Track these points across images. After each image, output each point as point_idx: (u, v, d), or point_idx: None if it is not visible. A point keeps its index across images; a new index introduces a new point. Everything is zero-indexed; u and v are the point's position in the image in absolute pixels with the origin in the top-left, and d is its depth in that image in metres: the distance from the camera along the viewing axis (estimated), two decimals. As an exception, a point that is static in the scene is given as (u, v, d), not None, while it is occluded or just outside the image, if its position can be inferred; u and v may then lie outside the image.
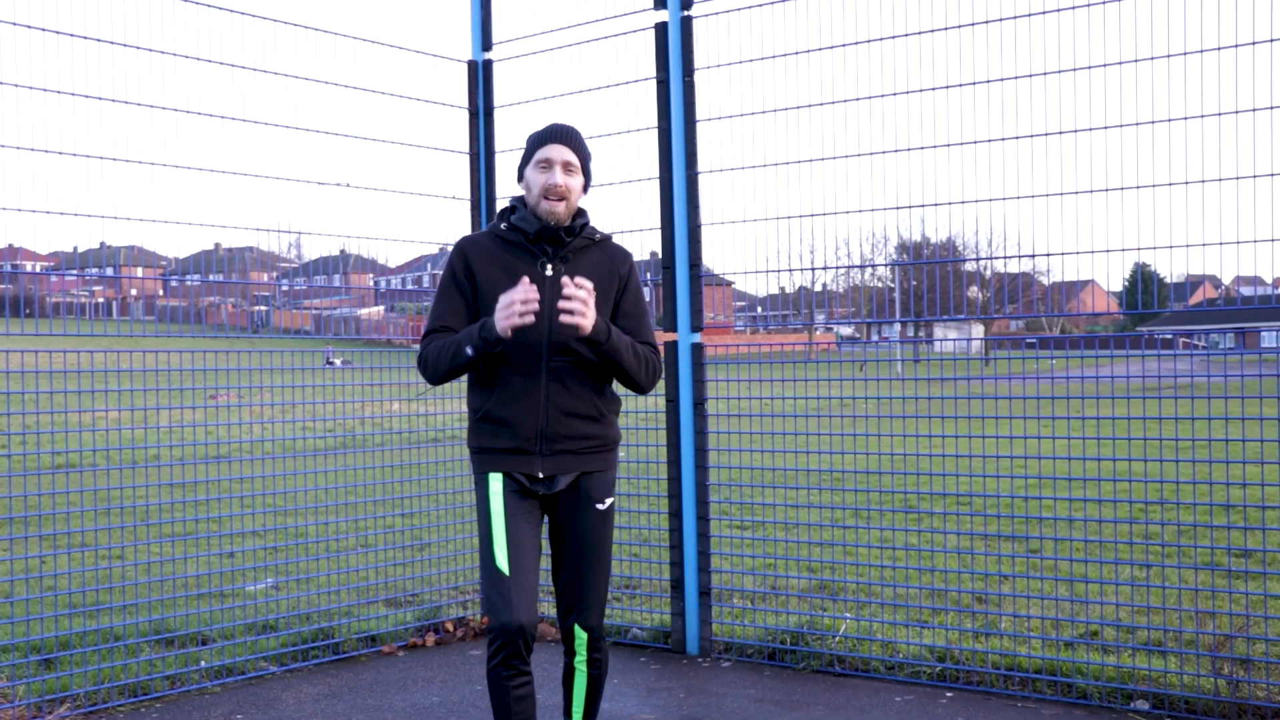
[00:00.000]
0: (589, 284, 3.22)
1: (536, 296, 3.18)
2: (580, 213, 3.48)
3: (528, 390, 3.34)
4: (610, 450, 3.50)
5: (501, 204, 6.35)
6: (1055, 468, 7.56)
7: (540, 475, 3.38)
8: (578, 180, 3.43)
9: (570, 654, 3.53)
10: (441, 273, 3.53)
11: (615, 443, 3.52)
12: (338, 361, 7.31)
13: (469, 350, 3.27)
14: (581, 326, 3.19)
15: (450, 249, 3.52)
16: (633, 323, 3.50)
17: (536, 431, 3.35)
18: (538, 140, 3.45)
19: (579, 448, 3.41)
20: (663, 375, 3.56)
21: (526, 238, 3.41)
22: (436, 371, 3.38)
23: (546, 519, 3.53)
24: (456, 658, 5.75)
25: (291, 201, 5.63)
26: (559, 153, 3.39)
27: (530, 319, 3.18)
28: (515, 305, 3.15)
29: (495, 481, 3.38)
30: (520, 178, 3.48)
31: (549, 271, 3.39)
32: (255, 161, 5.41)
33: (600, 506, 3.46)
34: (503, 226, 3.46)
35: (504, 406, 3.36)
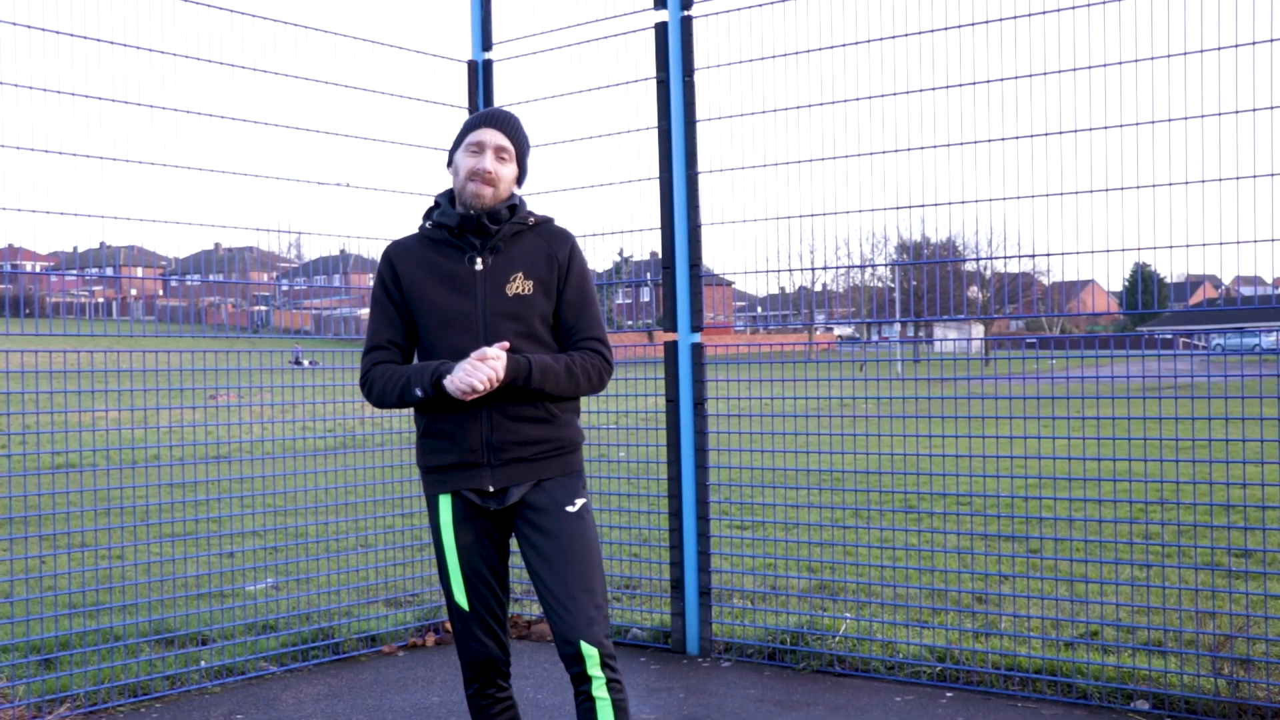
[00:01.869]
0: (492, 352, 2.96)
1: (496, 372, 2.94)
2: (510, 198, 3.18)
3: None
4: (569, 453, 3.16)
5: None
6: (1055, 468, 7.56)
7: (490, 489, 3.08)
8: (510, 169, 3.15)
9: (584, 681, 3.01)
10: (372, 287, 3.26)
11: (574, 444, 3.18)
12: (305, 362, 7.26)
13: (418, 393, 3.03)
14: (485, 387, 2.93)
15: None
16: (575, 315, 3.16)
17: (482, 440, 3.06)
18: (471, 123, 3.18)
19: (531, 454, 3.08)
20: (613, 372, 3.26)
21: (450, 232, 3.13)
22: (384, 402, 3.14)
23: (514, 535, 3.21)
24: (456, 658, 5.75)
25: (291, 201, 5.64)
26: (492, 137, 3.12)
27: (497, 377, 2.94)
28: (475, 381, 2.90)
29: (445, 509, 3.12)
30: (450, 163, 3.21)
31: (479, 265, 3.10)
32: (255, 161, 5.41)
33: (570, 509, 3.11)
34: (427, 225, 3.20)
35: (445, 418, 3.07)
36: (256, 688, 5.24)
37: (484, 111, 3.20)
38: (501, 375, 2.95)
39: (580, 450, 3.23)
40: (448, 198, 3.21)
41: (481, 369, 2.92)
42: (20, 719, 4.61)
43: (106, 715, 4.83)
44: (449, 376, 2.96)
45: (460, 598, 3.13)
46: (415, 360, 3.25)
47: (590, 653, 2.99)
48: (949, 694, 4.99)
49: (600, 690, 3.01)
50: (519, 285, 3.12)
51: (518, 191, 3.24)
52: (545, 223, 3.23)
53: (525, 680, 5.30)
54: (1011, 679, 5.00)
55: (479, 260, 3.12)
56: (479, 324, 3.07)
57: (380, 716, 4.83)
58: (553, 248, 3.17)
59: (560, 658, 3.10)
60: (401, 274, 3.16)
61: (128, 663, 5.09)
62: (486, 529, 3.14)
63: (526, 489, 3.10)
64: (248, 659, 5.44)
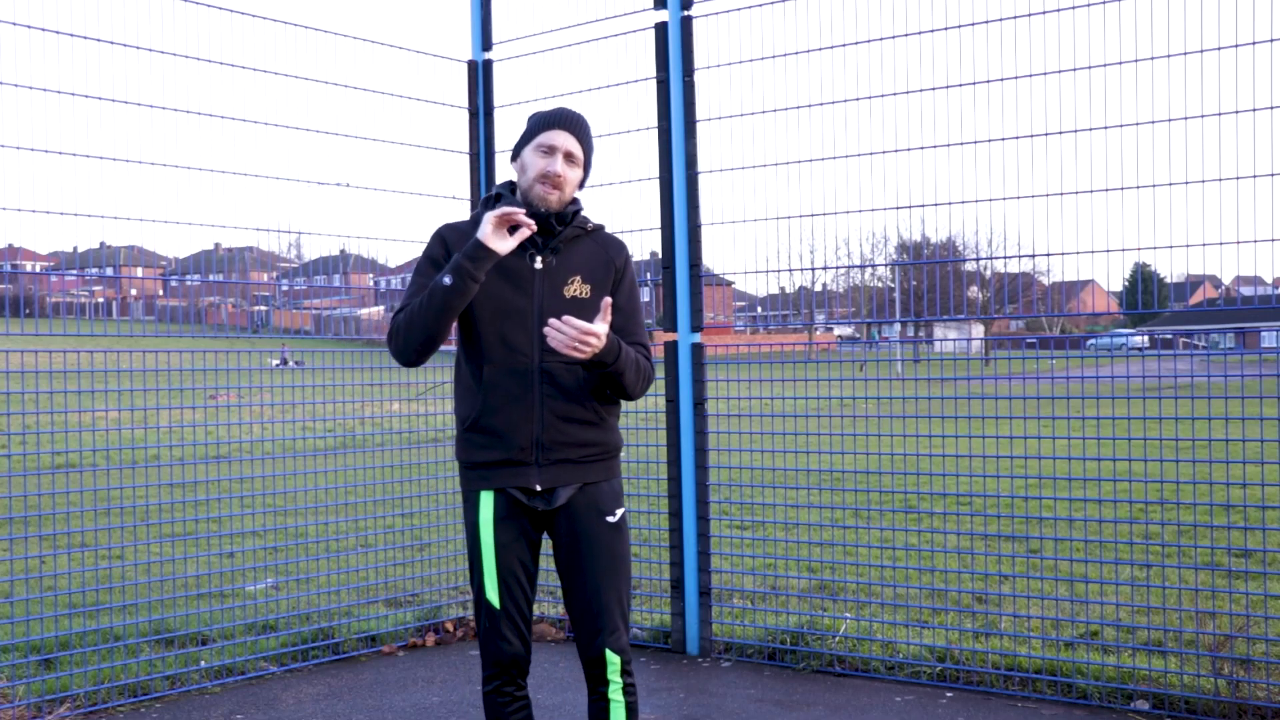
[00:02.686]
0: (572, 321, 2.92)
1: (598, 342, 2.89)
2: (573, 202, 3.18)
3: (519, 394, 3.03)
4: (613, 458, 3.20)
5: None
6: (1055, 468, 7.56)
7: (538, 488, 3.08)
8: (577, 173, 3.16)
9: (602, 683, 3.14)
10: (418, 260, 3.19)
11: (617, 449, 3.21)
12: (291, 362, 7.24)
13: (446, 279, 2.93)
14: (588, 352, 2.90)
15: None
16: (625, 320, 3.18)
17: (532, 440, 3.05)
18: (543, 122, 3.14)
19: (578, 456, 3.10)
20: (656, 378, 3.28)
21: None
22: (410, 332, 3.02)
23: (548, 535, 3.22)
24: (456, 658, 5.75)
25: (291, 201, 5.64)
26: (564, 140, 3.10)
27: (527, 232, 2.92)
28: (585, 341, 2.85)
29: (486, 505, 3.10)
30: (515, 157, 3.19)
31: (539, 264, 3.09)
32: (255, 161, 5.41)
33: (611, 519, 3.14)
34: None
35: (494, 414, 3.05)
36: (256, 688, 5.24)
37: (555, 112, 3.16)
38: (601, 345, 2.92)
39: (620, 455, 3.25)
40: (510, 189, 3.20)
41: (580, 342, 2.88)
42: (20, 719, 4.61)
43: (106, 715, 4.83)
44: (550, 332, 2.88)
45: (492, 595, 3.09)
46: (458, 349, 3.21)
47: (613, 660, 3.12)
48: (949, 694, 4.99)
49: (616, 694, 3.14)
50: (576, 288, 3.12)
51: (579, 192, 3.23)
52: (600, 229, 3.26)
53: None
54: (1011, 679, 5.00)
55: (539, 259, 3.11)
56: (534, 322, 3.06)
57: (380, 716, 4.83)
58: (610, 254, 3.20)
59: (581, 660, 3.18)
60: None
61: (128, 663, 5.09)
62: (525, 528, 3.12)
63: (573, 491, 3.11)
64: (248, 659, 5.44)
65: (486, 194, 3.20)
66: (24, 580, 5.34)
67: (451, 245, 3.12)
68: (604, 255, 3.19)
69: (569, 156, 3.12)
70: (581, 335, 2.88)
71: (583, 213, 3.20)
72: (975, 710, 4.75)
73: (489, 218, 2.94)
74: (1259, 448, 5.92)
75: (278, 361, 7.63)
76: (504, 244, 2.94)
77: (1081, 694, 4.84)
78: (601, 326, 2.93)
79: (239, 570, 6.09)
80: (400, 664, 5.66)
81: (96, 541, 6.63)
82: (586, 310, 3.08)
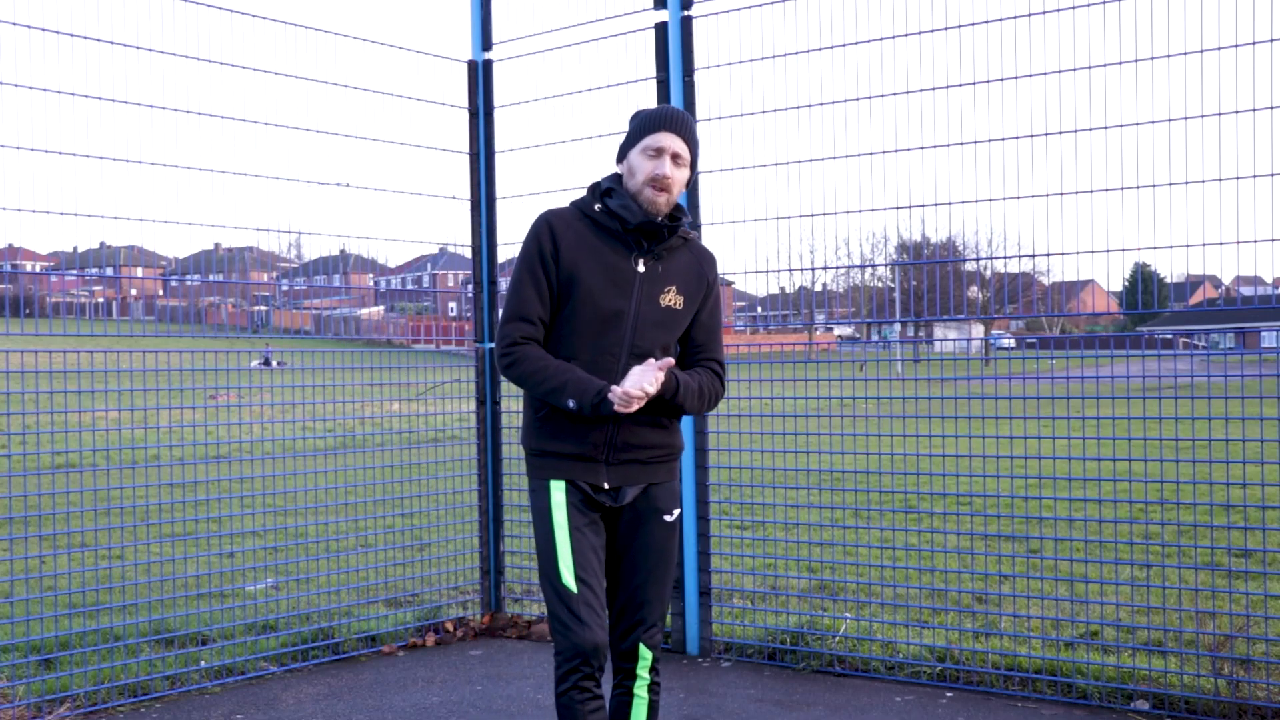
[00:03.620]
0: (651, 375, 3.00)
1: (653, 388, 2.97)
2: (679, 209, 3.21)
3: None
4: (675, 459, 3.25)
5: (502, 204, 6.38)
6: (1055, 468, 7.55)
7: (606, 486, 3.11)
8: (684, 174, 3.15)
9: (629, 678, 3.19)
10: (523, 247, 3.15)
11: (680, 451, 3.27)
12: (274, 362, 7.22)
13: (571, 404, 3.00)
14: (646, 397, 2.98)
15: (534, 224, 3.17)
16: (706, 335, 3.24)
17: (606, 438, 3.08)
18: (650, 124, 3.13)
19: (647, 457, 3.15)
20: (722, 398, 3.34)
21: (624, 226, 3.10)
22: (527, 388, 3.10)
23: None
24: (456, 658, 5.75)
25: (291, 201, 5.64)
26: (671, 142, 3.10)
27: (652, 392, 2.97)
28: (637, 397, 2.94)
29: (558, 490, 3.10)
30: (621, 158, 3.18)
31: (641, 267, 3.10)
32: (255, 161, 5.41)
33: (669, 518, 3.21)
34: (597, 208, 3.14)
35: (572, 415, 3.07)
36: (256, 688, 5.24)
37: (661, 112, 3.15)
38: (655, 391, 2.98)
39: (680, 457, 3.29)
40: (617, 181, 3.17)
41: (644, 386, 2.96)
42: (20, 719, 4.61)
43: (106, 715, 4.83)
44: (614, 393, 2.95)
45: (569, 578, 3.04)
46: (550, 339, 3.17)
47: (645, 655, 3.19)
48: (949, 694, 4.99)
49: (641, 690, 3.19)
50: (671, 298, 3.14)
51: (684, 191, 3.24)
52: (695, 239, 3.28)
53: (525, 680, 5.31)
54: (1011, 679, 5.00)
55: (641, 262, 3.12)
56: (629, 326, 3.08)
57: (380, 716, 4.83)
58: (704, 268, 3.23)
59: (612, 651, 3.18)
60: (564, 248, 3.09)
61: (128, 663, 5.09)
62: (595, 519, 3.15)
63: (638, 491, 3.17)
64: (248, 659, 5.44)
65: (595, 183, 3.20)
66: (24, 580, 5.33)
67: (560, 237, 3.09)
68: (698, 268, 3.22)
69: (676, 158, 3.11)
70: (638, 395, 2.94)
71: (686, 221, 3.21)
72: (975, 710, 4.75)
73: (619, 402, 2.94)
74: (1259, 448, 5.92)
75: (258, 362, 7.61)
76: (625, 409, 2.97)
77: (1081, 694, 4.84)
78: (657, 375, 2.98)
79: (239, 570, 6.09)
80: (400, 664, 5.66)
81: (96, 541, 6.63)
82: (677, 320, 3.16)
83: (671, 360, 3.02)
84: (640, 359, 3.07)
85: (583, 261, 3.08)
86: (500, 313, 3.34)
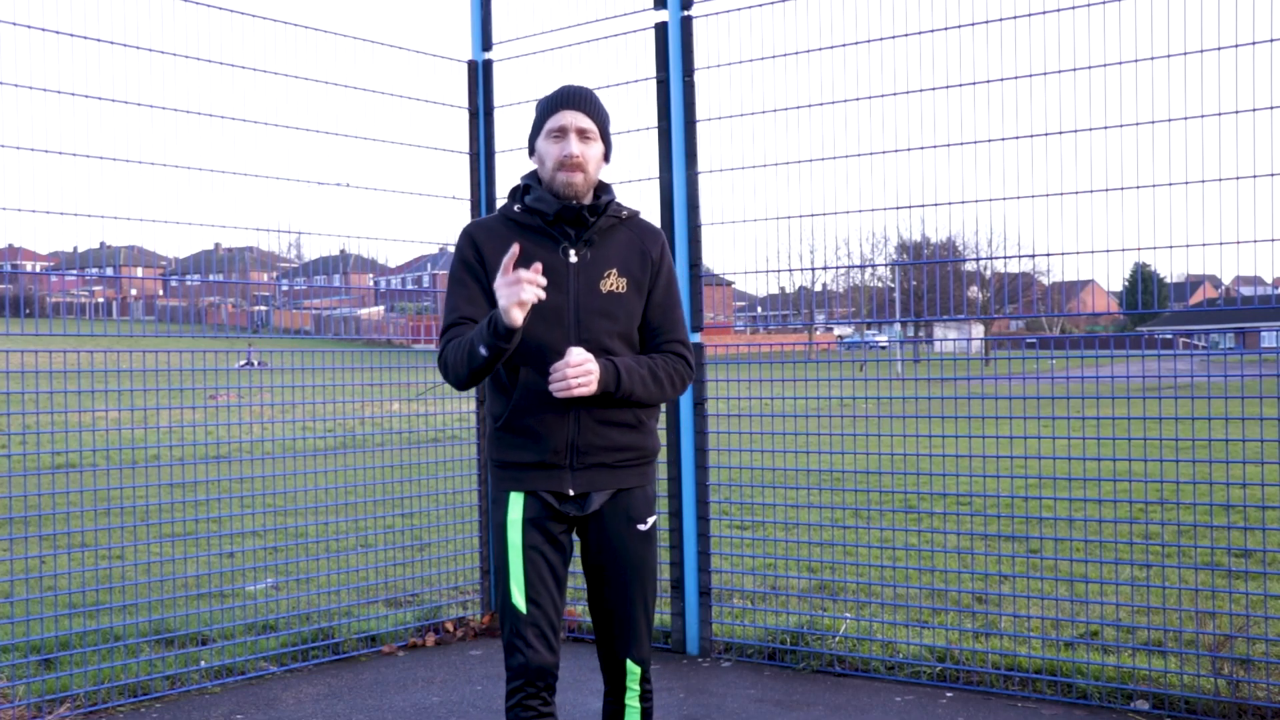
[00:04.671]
0: (580, 354, 2.84)
1: (593, 371, 2.83)
2: (603, 187, 3.05)
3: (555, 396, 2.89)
4: (649, 463, 3.08)
5: (502, 203, 6.38)
6: (1055, 468, 7.56)
7: (571, 493, 2.96)
8: (596, 148, 2.99)
9: (619, 690, 3.10)
10: (450, 266, 3.06)
11: (654, 454, 3.09)
12: (256, 362, 7.21)
13: (482, 350, 2.80)
14: (585, 391, 2.83)
15: (456, 240, 3.09)
16: (661, 316, 3.06)
17: (566, 442, 2.93)
18: (548, 106, 3.00)
19: (614, 460, 2.98)
20: (691, 380, 3.13)
21: (545, 219, 2.96)
22: (458, 377, 2.93)
23: (578, 541, 3.11)
24: (456, 658, 5.75)
25: (291, 201, 5.64)
26: (573, 119, 2.95)
27: (540, 293, 2.73)
28: (520, 283, 2.69)
29: (515, 506, 2.97)
30: (531, 151, 3.05)
31: (573, 258, 2.95)
32: (255, 161, 5.41)
33: (642, 527, 3.04)
34: (516, 209, 3.01)
35: (528, 414, 2.93)
36: (256, 688, 5.24)
37: (558, 93, 3.01)
38: (595, 387, 2.84)
39: (656, 461, 3.13)
40: (536, 180, 3.03)
41: (580, 376, 2.82)
42: (20, 719, 4.61)
43: (106, 715, 4.83)
44: (553, 378, 2.83)
45: (518, 600, 2.95)
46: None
47: (633, 670, 3.08)
48: (949, 694, 4.99)
49: (633, 700, 3.10)
50: (613, 282, 2.99)
51: (606, 166, 3.08)
52: (635, 216, 3.11)
53: (525, 680, 5.30)
54: (1011, 679, 5.00)
55: (572, 252, 2.97)
56: (570, 320, 2.93)
57: (380, 716, 4.83)
58: (646, 244, 3.06)
59: (600, 664, 3.11)
60: (487, 256, 2.97)
61: (128, 663, 5.09)
62: (555, 533, 3.00)
63: (606, 497, 3.01)
64: (248, 659, 5.44)
65: (515, 185, 3.09)
66: (24, 580, 5.34)
67: (481, 245, 2.99)
68: (640, 245, 3.06)
69: (583, 133, 2.96)
70: (578, 371, 2.80)
71: (616, 200, 3.06)
72: (975, 710, 4.75)
73: (505, 299, 2.71)
74: (1259, 448, 5.92)
75: (243, 363, 7.60)
76: (522, 313, 2.75)
77: (1081, 694, 4.84)
78: (587, 359, 2.83)
79: (239, 570, 6.09)
80: (400, 664, 5.66)
81: (96, 541, 6.63)
82: (625, 305, 2.99)
83: (582, 351, 2.85)
84: (592, 351, 2.91)
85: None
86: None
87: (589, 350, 2.90)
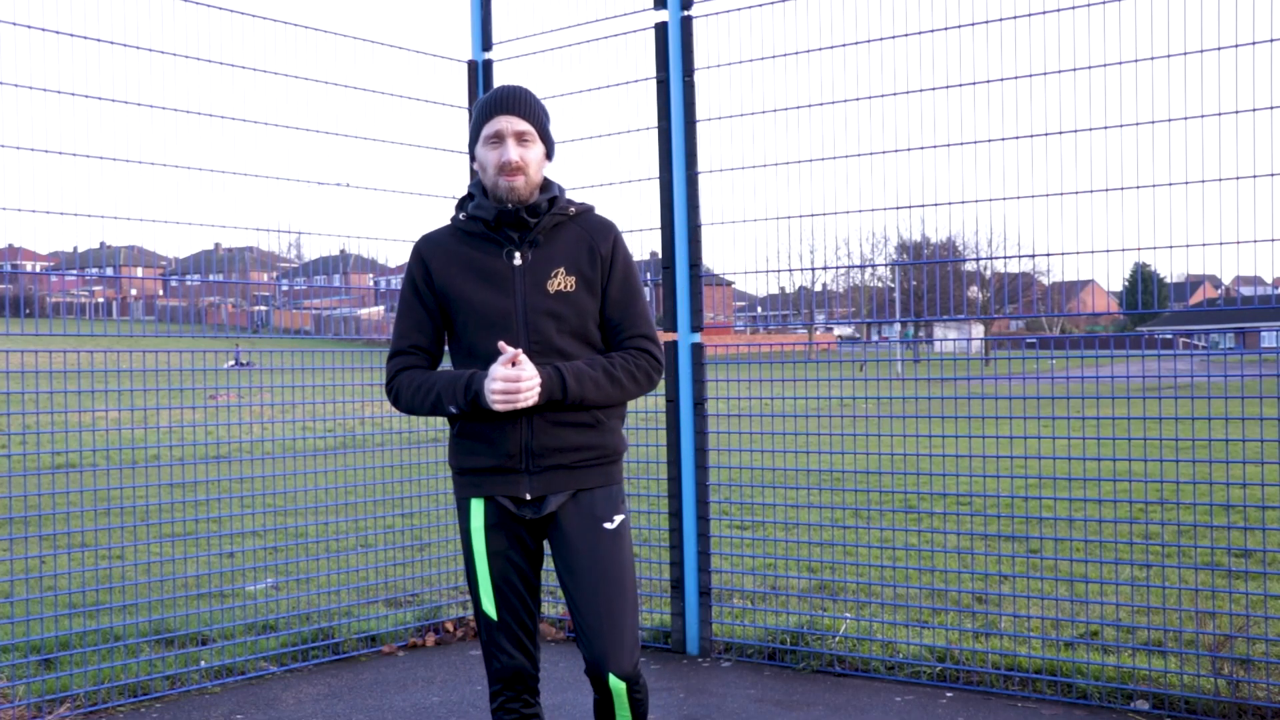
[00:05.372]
0: (513, 352, 2.82)
1: (534, 379, 2.81)
2: (548, 185, 3.01)
3: None
4: (612, 463, 3.02)
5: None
6: (1055, 468, 7.56)
7: (528, 497, 2.93)
8: (536, 150, 2.95)
9: (605, 696, 3.01)
10: (401, 282, 3.08)
11: (618, 453, 3.04)
12: (245, 361, 7.21)
13: (452, 409, 2.89)
14: (527, 402, 2.81)
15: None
16: (620, 312, 3.01)
17: (521, 445, 2.90)
18: (482, 111, 2.96)
19: (572, 461, 2.94)
20: (663, 372, 3.08)
21: (487, 225, 2.96)
22: (412, 411, 2.99)
23: (548, 544, 3.08)
24: (456, 658, 5.75)
25: (291, 201, 5.64)
26: (508, 123, 2.91)
27: (533, 400, 2.80)
28: (518, 391, 2.78)
29: (476, 514, 2.98)
30: (473, 158, 3.02)
31: (517, 260, 2.94)
32: (255, 161, 5.41)
33: (609, 526, 2.97)
34: (460, 217, 3.02)
35: (482, 419, 2.91)
36: (256, 688, 5.24)
37: (491, 97, 2.97)
38: (536, 397, 2.82)
39: (622, 460, 3.08)
40: (481, 188, 3.02)
41: (520, 392, 2.80)
42: (20, 719, 4.61)
43: (106, 715, 4.83)
44: (487, 393, 2.82)
45: (489, 606, 2.97)
46: (448, 361, 3.11)
47: (619, 687, 2.96)
48: (949, 694, 4.99)
49: (623, 708, 3.00)
50: (560, 281, 2.95)
51: (550, 164, 3.05)
52: (586, 212, 3.07)
53: (525, 680, 5.30)
54: (1011, 679, 5.00)
55: (517, 255, 2.95)
56: (519, 323, 2.92)
57: (380, 716, 4.83)
58: (594, 240, 3.00)
59: (585, 671, 3.05)
60: (435, 271, 2.99)
61: (128, 663, 5.09)
62: (519, 536, 2.99)
63: (565, 498, 2.97)
64: (248, 659, 5.44)
65: (461, 196, 3.09)
66: (24, 580, 5.34)
67: (429, 261, 3.00)
68: (589, 241, 3.00)
69: (520, 136, 2.92)
70: (513, 384, 2.78)
71: (563, 197, 3.01)
72: (975, 710, 4.75)
73: (497, 399, 2.79)
74: (1259, 448, 5.92)
75: (231, 363, 7.61)
76: (505, 410, 2.82)
77: (1081, 694, 4.84)
78: (530, 372, 2.81)
79: (239, 570, 6.09)
80: (400, 664, 5.66)
81: (96, 541, 6.63)
82: (576, 304, 2.95)
83: (517, 351, 2.82)
84: (543, 354, 2.90)
85: (455, 275, 2.97)
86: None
87: (538, 352, 2.90)
